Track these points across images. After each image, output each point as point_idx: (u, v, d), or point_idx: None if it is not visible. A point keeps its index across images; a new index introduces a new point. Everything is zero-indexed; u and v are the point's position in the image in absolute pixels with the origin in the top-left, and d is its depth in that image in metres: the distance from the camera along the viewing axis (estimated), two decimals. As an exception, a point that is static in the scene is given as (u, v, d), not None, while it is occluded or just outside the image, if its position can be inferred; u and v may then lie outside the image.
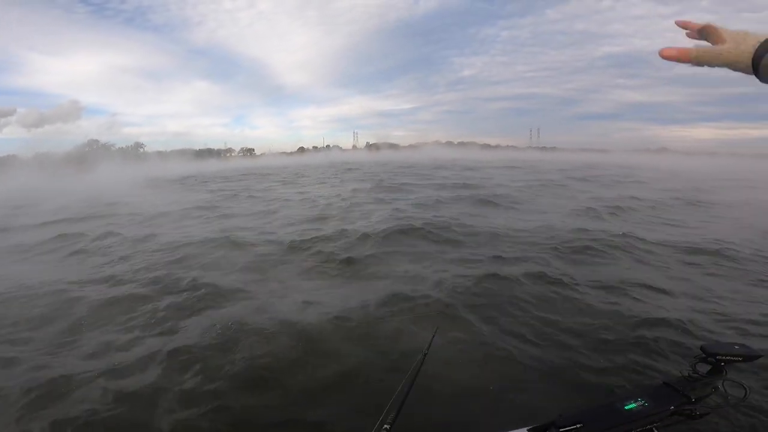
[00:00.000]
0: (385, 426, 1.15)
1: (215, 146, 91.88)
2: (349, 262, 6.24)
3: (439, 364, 2.98)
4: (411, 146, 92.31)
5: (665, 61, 0.65)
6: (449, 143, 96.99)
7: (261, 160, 74.09)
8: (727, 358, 1.28)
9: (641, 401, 1.23)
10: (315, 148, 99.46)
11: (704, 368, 1.32)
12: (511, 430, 1.23)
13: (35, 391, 3.05)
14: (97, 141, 78.24)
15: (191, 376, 3.23)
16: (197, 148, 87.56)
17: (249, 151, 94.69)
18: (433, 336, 1.71)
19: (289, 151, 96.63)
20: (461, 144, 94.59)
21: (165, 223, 10.69)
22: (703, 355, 1.31)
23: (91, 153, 70.56)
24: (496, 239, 7.42)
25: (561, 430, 1.16)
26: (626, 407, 1.21)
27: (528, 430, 1.23)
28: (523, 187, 16.61)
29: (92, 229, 9.82)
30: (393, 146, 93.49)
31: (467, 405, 2.83)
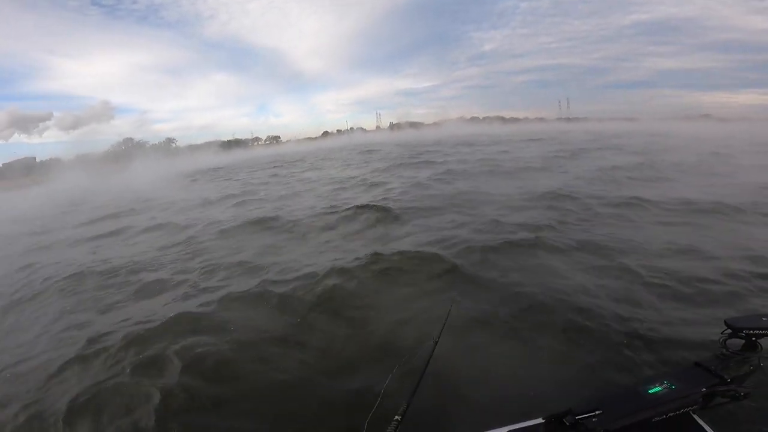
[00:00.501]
0: (396, 417, 1.13)
1: (242, 136, 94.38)
2: (373, 231, 6.86)
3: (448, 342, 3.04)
4: (435, 124, 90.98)
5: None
6: (474, 118, 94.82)
7: (287, 147, 75.38)
8: (758, 332, 1.20)
9: (667, 384, 1.14)
10: (339, 131, 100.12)
11: (737, 345, 1.24)
12: (526, 420, 1.19)
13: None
14: (131, 139, 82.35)
15: (220, 342, 3.66)
16: (225, 139, 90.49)
17: (275, 139, 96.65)
18: (444, 324, 1.66)
19: (313, 136, 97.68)
20: (487, 119, 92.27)
21: (204, 210, 11.57)
22: (730, 331, 1.23)
23: (128, 151, 74.24)
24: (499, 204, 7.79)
25: (578, 417, 1.09)
26: (650, 391, 1.13)
27: (544, 419, 1.17)
28: (542, 157, 16.44)
29: (138, 222, 10.89)
30: (417, 125, 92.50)
31: (479, 393, 2.72)
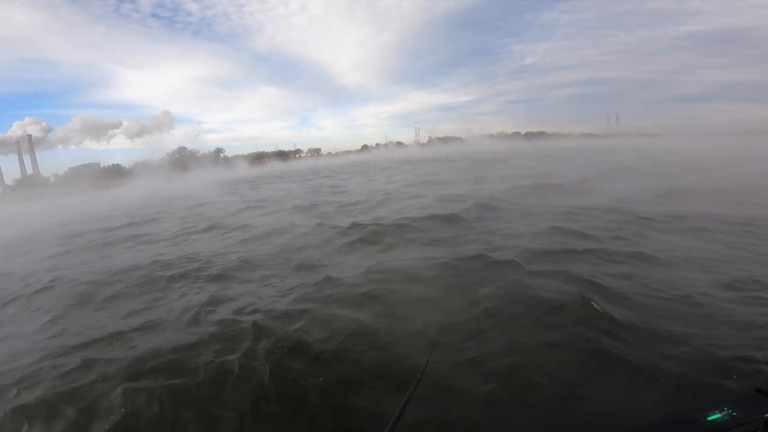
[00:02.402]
0: None
1: (285, 148, 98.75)
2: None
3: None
4: (474, 138, 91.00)
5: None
6: (516, 134, 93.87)
7: (327, 160, 78.12)
8: None
9: (728, 411, 1.08)
10: (377, 145, 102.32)
11: None
12: None
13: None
14: (185, 148, 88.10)
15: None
16: (269, 150, 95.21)
17: (315, 151, 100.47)
18: (428, 361, 1.66)
19: (352, 149, 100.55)
20: (529, 134, 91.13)
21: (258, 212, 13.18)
22: None
23: (182, 160, 79.49)
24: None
25: None
26: (708, 418, 1.06)
27: None
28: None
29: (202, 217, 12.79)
30: (454, 140, 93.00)
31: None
